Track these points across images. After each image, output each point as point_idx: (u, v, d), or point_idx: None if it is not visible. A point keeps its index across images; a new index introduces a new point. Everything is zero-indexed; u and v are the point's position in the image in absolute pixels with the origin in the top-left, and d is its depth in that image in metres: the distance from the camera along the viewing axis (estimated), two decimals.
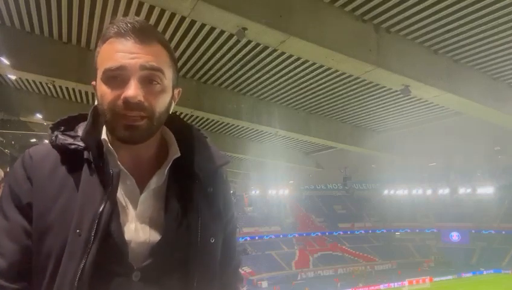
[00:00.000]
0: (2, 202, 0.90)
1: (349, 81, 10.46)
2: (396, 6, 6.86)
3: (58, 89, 11.69)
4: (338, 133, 14.37)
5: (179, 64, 10.21)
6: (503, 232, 37.88)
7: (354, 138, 14.86)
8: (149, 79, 0.86)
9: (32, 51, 8.45)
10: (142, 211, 0.90)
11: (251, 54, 9.00)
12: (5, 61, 8.11)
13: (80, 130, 0.94)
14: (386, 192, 45.21)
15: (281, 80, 10.55)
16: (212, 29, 7.79)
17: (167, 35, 8.00)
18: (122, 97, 0.83)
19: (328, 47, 6.86)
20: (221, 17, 6.02)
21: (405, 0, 6.68)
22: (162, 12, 7.21)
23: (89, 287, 0.80)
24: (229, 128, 15.58)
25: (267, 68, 9.78)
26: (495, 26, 7.29)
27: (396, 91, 9.43)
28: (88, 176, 0.87)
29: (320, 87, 10.98)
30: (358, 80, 10.17)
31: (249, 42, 8.23)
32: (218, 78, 10.59)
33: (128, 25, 0.86)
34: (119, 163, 0.90)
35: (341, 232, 43.77)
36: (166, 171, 0.94)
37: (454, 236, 40.89)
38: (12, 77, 10.31)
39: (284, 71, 9.94)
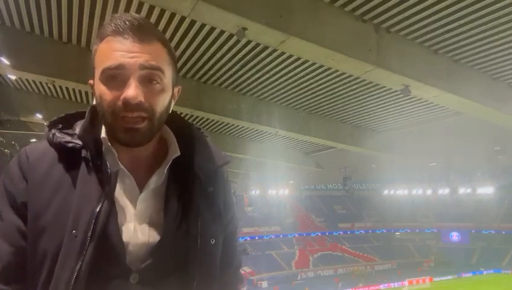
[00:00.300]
0: None
1: (349, 81, 10.46)
2: (396, 6, 6.86)
3: (58, 89, 11.69)
4: (338, 133, 14.37)
5: (179, 64, 10.21)
6: (503, 232, 37.86)
7: (354, 138, 14.86)
8: (149, 78, 0.84)
9: (32, 51, 8.45)
10: (142, 211, 0.88)
11: (251, 54, 9.00)
12: (5, 61, 8.11)
13: (78, 128, 0.91)
14: (386, 192, 45.19)
15: (281, 80, 10.54)
16: (212, 29, 7.79)
17: (167, 35, 7.99)
18: (121, 98, 0.81)
19: (328, 47, 6.86)
20: (221, 17, 6.02)
21: (405, 0, 6.68)
22: (162, 12, 7.20)
23: (85, 289, 0.78)
24: (229, 128, 15.58)
25: (267, 68, 9.77)
26: (495, 26, 7.28)
27: (396, 91, 9.43)
28: (85, 175, 0.85)
29: (320, 87, 10.97)
30: (358, 80, 10.17)
31: (249, 42, 8.23)
32: (218, 78, 10.59)
33: (127, 22, 0.84)
34: (118, 162, 0.88)
35: (341, 232, 43.75)
36: (166, 170, 0.92)
37: (454, 236, 40.88)
38: (12, 77, 10.31)
39: (284, 71, 9.94)
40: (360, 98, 11.71)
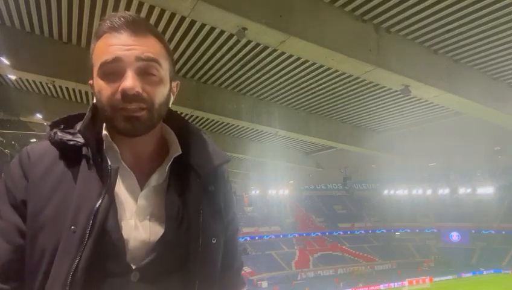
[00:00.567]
0: None
1: (349, 81, 10.46)
2: (396, 6, 6.86)
3: (58, 89, 11.69)
4: (338, 133, 14.37)
5: (179, 64, 10.24)
6: (503, 232, 37.86)
7: (354, 138, 14.86)
8: (146, 70, 0.85)
9: (32, 51, 8.44)
10: (142, 208, 0.88)
11: (251, 54, 9.00)
12: (5, 61, 8.11)
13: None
14: (386, 192, 45.20)
15: (281, 80, 10.54)
16: (212, 29, 7.79)
17: (167, 35, 8.00)
18: (119, 89, 0.82)
19: (328, 47, 6.86)
20: (221, 17, 6.02)
21: (405, 0, 6.68)
22: (162, 12, 7.20)
23: (83, 287, 0.78)
24: (229, 128, 15.58)
25: (267, 68, 9.77)
26: (495, 26, 7.28)
27: (396, 91, 9.43)
28: (86, 172, 0.85)
29: (320, 87, 10.98)
30: (358, 80, 10.17)
31: (249, 42, 8.23)
32: (218, 78, 10.59)
33: (122, 19, 0.86)
34: (120, 159, 0.89)
35: (341, 232, 43.75)
36: (167, 168, 0.92)
37: (454, 236, 40.88)
38: (12, 77, 10.30)
39: (284, 71, 9.94)
40: (360, 98, 11.71)
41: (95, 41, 0.88)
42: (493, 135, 22.93)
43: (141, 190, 0.89)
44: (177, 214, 0.89)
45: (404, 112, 13.01)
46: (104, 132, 0.91)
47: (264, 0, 6.17)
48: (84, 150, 0.87)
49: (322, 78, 10.38)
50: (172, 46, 8.52)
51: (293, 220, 43.78)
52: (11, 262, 0.83)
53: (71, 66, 8.73)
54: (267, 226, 41.08)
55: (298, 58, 9.04)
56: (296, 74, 10.09)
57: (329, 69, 9.45)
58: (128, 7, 7.02)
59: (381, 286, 29.71)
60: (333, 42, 6.91)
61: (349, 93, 11.41)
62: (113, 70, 0.83)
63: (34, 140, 12.37)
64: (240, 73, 10.14)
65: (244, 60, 9.30)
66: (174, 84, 0.95)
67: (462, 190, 39.50)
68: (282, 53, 8.69)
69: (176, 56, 9.07)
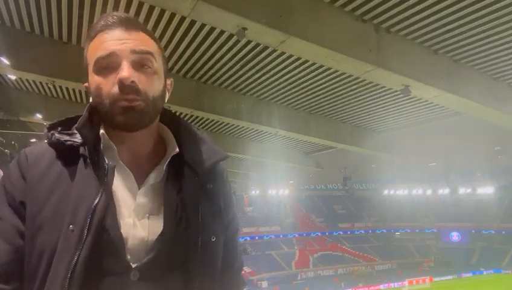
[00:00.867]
0: None
1: (349, 81, 10.46)
2: (397, 6, 6.86)
3: (58, 89, 11.69)
4: (338, 133, 14.37)
5: (179, 64, 10.23)
6: (503, 232, 37.85)
7: (354, 138, 14.86)
8: (140, 63, 0.86)
9: (32, 51, 8.44)
10: (141, 206, 0.88)
11: (251, 54, 9.00)
12: (5, 61, 8.10)
13: None
14: (386, 192, 45.18)
15: (281, 80, 10.54)
16: (212, 29, 7.79)
17: (167, 35, 8.01)
18: (116, 80, 0.83)
19: (328, 47, 6.86)
20: (221, 17, 6.02)
21: (405, 0, 6.68)
22: (162, 12, 7.20)
23: (82, 286, 0.77)
24: (229, 128, 15.57)
25: (267, 68, 9.77)
26: (495, 26, 7.29)
27: (396, 91, 9.43)
28: (83, 171, 0.86)
29: (320, 87, 10.98)
30: (358, 80, 10.17)
31: (249, 42, 8.23)
32: (218, 78, 10.59)
33: (114, 17, 0.88)
34: (117, 157, 0.89)
35: (341, 232, 43.74)
36: (165, 167, 0.93)
37: (454, 236, 40.87)
38: (12, 77, 10.30)
39: (284, 71, 9.94)
40: (360, 98, 11.71)
41: (88, 41, 0.90)
42: (493, 135, 22.94)
43: (139, 189, 0.90)
44: (176, 212, 0.89)
45: (404, 112, 13.01)
46: (102, 131, 0.91)
47: (264, 0, 6.18)
48: (82, 150, 0.88)
49: (322, 78, 10.38)
50: (172, 46, 8.52)
51: (293, 220, 43.77)
52: (11, 263, 0.83)
53: (71, 66, 8.72)
54: (267, 226, 41.08)
55: (298, 58, 9.04)
56: (296, 74, 10.09)
57: (329, 69, 9.45)
58: (128, 7, 7.02)
59: (381, 286, 29.71)
60: (333, 42, 6.91)
61: (349, 93, 11.41)
62: (108, 65, 0.85)
63: (34, 140, 12.37)
64: (239, 73, 10.14)
65: (244, 60, 9.30)
66: (168, 81, 0.97)
67: (462, 190, 39.47)
68: (282, 53, 8.69)
69: (176, 56, 9.07)
